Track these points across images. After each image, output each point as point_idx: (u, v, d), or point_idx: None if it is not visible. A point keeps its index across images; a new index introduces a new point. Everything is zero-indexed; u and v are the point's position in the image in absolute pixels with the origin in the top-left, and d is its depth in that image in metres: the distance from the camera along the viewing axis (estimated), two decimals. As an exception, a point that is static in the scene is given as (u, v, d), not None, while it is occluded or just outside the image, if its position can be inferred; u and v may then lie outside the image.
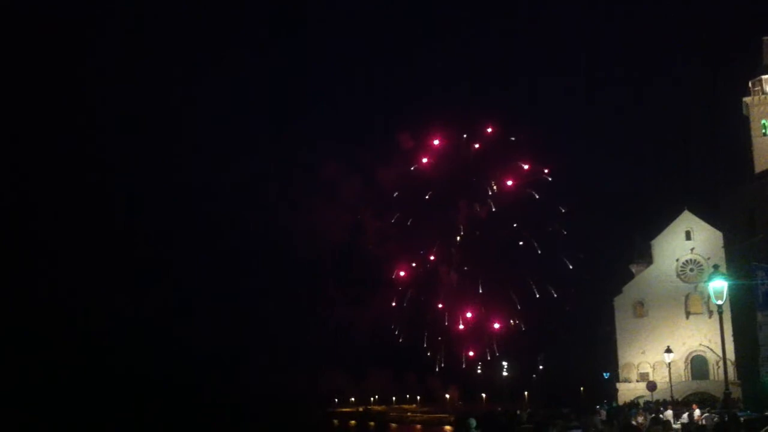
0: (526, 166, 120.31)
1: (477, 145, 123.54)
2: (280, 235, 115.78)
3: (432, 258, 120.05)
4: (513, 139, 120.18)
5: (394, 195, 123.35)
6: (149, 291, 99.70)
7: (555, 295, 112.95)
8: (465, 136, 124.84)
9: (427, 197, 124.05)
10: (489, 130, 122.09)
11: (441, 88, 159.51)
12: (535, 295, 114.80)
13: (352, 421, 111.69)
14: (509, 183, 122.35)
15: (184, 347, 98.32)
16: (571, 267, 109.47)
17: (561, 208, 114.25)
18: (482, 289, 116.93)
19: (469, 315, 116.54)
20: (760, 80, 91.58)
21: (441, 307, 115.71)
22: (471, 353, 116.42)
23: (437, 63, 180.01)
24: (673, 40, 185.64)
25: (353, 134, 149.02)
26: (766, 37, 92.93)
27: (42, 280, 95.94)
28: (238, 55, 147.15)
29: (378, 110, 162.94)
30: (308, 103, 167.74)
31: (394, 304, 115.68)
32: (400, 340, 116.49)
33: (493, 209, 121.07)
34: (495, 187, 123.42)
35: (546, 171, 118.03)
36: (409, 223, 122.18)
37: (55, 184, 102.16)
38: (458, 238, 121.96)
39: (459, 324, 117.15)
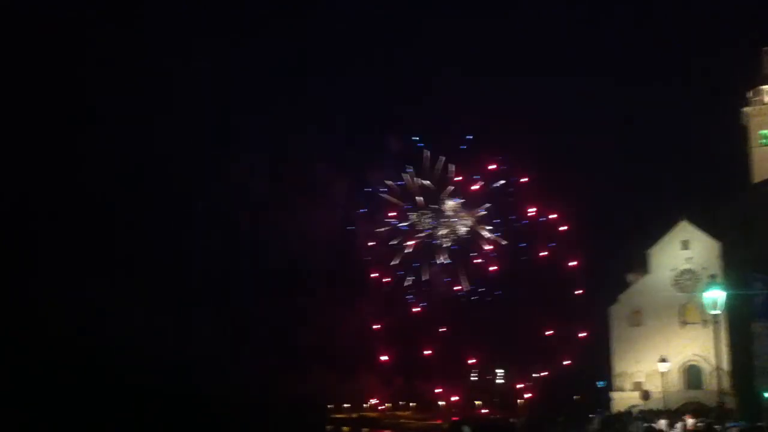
0: (533, 210, 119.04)
1: (477, 186, 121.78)
2: (269, 235, 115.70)
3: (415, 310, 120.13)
4: (525, 179, 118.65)
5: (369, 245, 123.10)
6: (140, 291, 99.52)
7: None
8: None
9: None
10: (493, 167, 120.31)
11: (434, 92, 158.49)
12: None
13: (345, 428, 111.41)
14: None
15: (175, 349, 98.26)
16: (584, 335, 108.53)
17: (571, 262, 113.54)
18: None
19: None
20: (759, 90, 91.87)
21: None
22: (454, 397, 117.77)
23: (433, 64, 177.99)
24: (672, 49, 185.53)
25: (343, 133, 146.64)
26: (765, 48, 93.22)
27: (40, 279, 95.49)
28: (226, 50, 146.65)
29: (369, 108, 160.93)
30: (298, 99, 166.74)
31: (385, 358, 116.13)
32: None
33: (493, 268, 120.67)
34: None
35: (555, 216, 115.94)
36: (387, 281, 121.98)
37: (50, 182, 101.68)
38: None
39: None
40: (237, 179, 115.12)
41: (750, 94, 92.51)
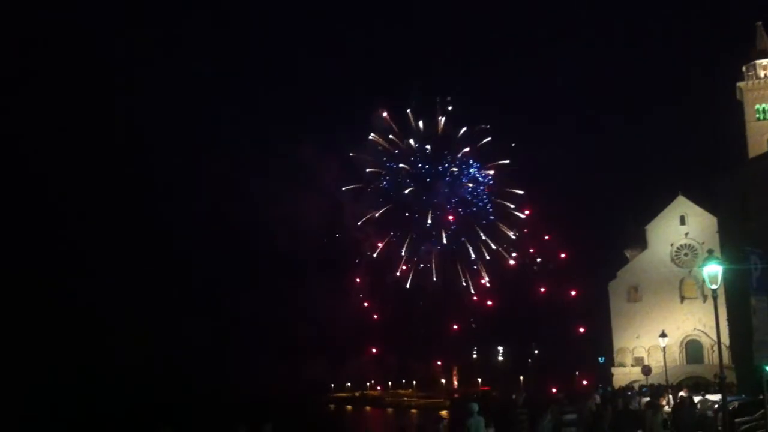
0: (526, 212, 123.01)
1: (471, 185, 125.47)
2: (259, 222, 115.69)
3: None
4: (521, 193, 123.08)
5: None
6: (128, 285, 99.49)
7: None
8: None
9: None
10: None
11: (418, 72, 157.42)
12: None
13: (349, 406, 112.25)
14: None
15: (165, 342, 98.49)
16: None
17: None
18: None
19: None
20: (754, 65, 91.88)
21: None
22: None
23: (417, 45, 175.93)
24: (668, 26, 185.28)
25: (329, 115, 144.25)
26: (759, 23, 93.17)
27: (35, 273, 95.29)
28: (208, 35, 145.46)
29: (353, 89, 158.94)
30: (283, 84, 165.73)
31: None
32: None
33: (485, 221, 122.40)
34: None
35: (527, 212, 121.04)
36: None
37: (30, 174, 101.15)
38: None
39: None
40: (222, 167, 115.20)
41: (745, 68, 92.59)
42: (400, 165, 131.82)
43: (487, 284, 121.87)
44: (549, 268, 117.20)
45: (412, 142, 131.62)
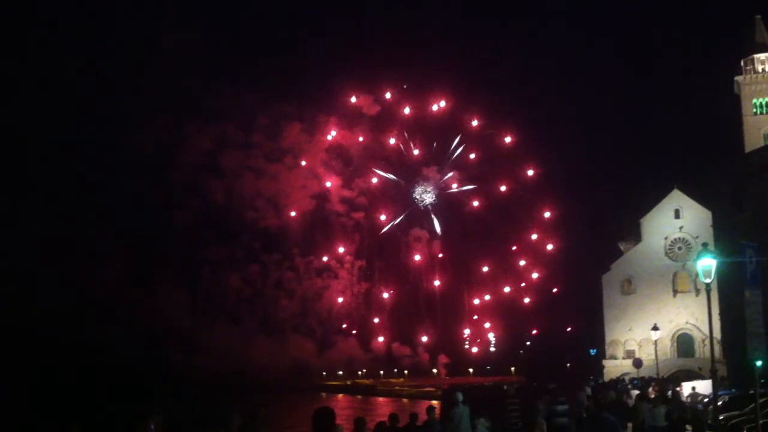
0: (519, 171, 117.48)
1: (475, 152, 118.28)
2: (243, 204, 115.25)
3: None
4: (508, 136, 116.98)
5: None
6: (102, 262, 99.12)
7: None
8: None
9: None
10: (475, 122, 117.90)
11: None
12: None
13: (340, 394, 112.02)
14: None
15: (141, 321, 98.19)
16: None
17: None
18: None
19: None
20: (752, 59, 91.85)
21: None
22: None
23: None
24: (666, 19, 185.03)
25: (312, 94, 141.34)
26: (758, 16, 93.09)
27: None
28: (188, 12, 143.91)
29: (337, 67, 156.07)
30: (263, 63, 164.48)
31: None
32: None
33: (472, 187, 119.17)
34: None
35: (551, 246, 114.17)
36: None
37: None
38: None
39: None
40: (204, 147, 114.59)
41: (743, 62, 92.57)
42: (375, 176, 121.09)
43: (490, 334, 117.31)
44: (548, 296, 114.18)
45: (392, 141, 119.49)
